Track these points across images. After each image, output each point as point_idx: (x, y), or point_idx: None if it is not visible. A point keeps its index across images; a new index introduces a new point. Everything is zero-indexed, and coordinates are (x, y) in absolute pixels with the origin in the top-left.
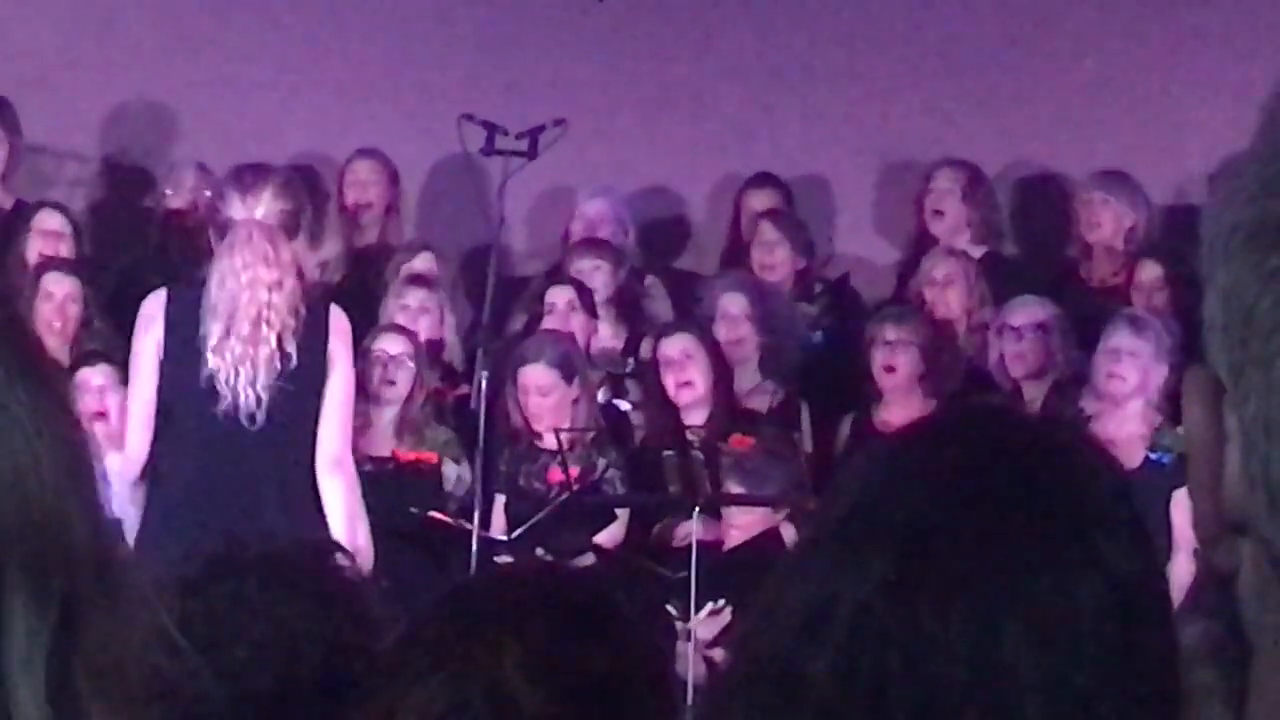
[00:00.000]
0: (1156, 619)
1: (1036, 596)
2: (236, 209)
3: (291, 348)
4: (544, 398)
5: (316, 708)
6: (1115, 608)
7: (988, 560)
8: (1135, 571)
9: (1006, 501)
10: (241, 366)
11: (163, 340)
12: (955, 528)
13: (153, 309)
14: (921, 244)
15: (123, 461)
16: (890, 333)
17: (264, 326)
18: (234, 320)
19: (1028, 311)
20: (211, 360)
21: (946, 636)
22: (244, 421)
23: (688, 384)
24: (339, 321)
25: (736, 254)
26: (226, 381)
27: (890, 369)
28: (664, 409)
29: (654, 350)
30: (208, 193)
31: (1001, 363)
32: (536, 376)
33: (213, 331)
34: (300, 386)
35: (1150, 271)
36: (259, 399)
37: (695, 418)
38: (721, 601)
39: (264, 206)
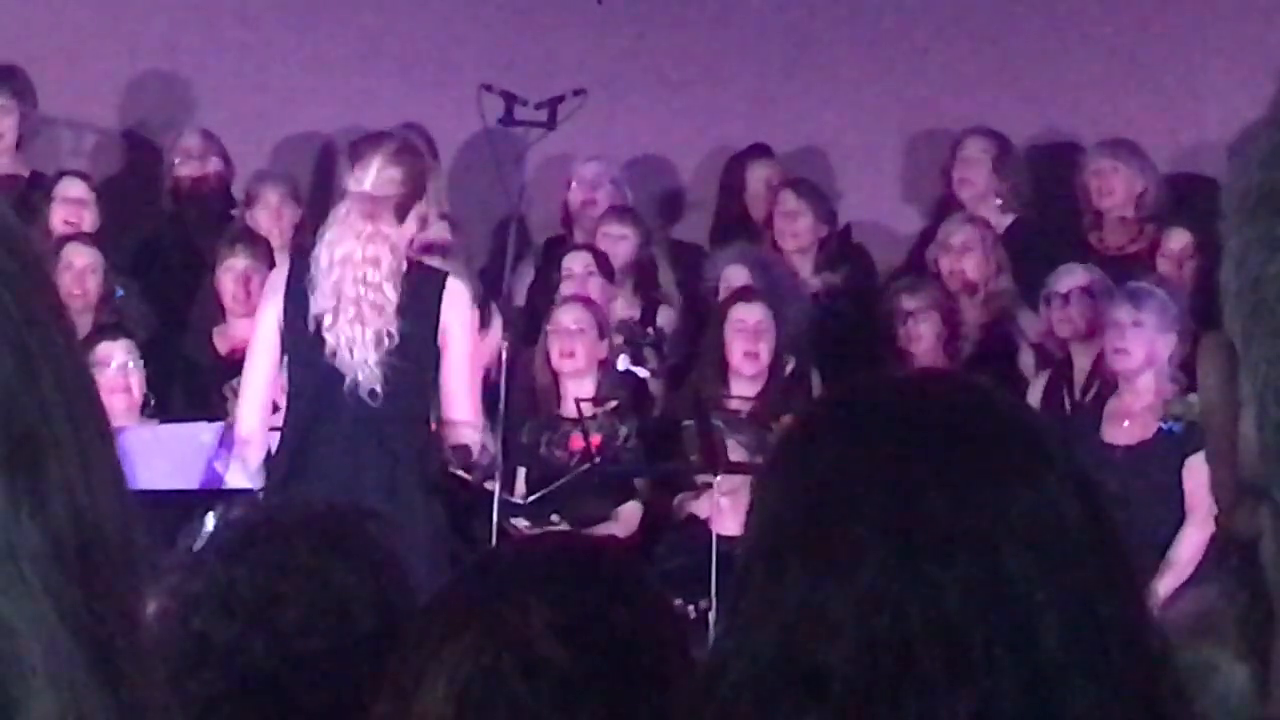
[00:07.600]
0: (1108, 510)
1: (1026, 513)
2: (349, 181)
3: (395, 324)
4: (582, 333)
5: (369, 669)
6: (1088, 507)
7: (972, 499)
8: (1085, 471)
9: (968, 442)
10: (354, 346)
11: (282, 315)
12: (931, 481)
13: (276, 281)
14: (946, 212)
15: (237, 439)
16: (907, 302)
17: (365, 305)
18: (340, 299)
19: (1070, 278)
20: (329, 340)
21: (956, 583)
22: (365, 399)
23: (754, 354)
24: (454, 293)
25: (732, 225)
26: (343, 360)
27: (916, 338)
28: (715, 374)
29: (722, 314)
30: (215, 158)
31: (1051, 329)
32: (574, 314)
33: (324, 310)
34: (409, 363)
35: (1179, 239)
36: (374, 375)
37: (749, 389)
38: (678, 602)
39: (371, 177)
